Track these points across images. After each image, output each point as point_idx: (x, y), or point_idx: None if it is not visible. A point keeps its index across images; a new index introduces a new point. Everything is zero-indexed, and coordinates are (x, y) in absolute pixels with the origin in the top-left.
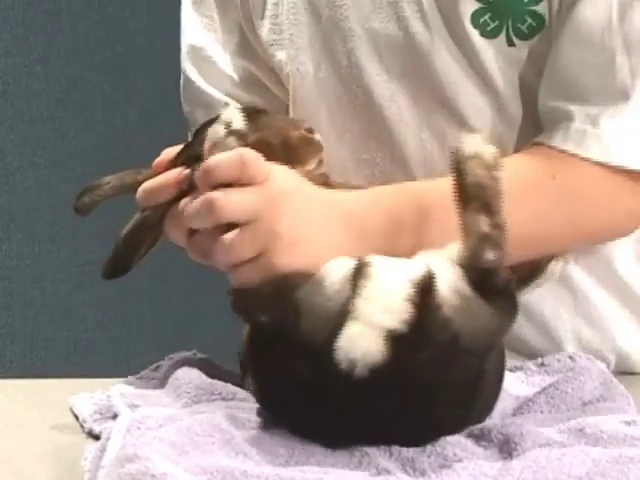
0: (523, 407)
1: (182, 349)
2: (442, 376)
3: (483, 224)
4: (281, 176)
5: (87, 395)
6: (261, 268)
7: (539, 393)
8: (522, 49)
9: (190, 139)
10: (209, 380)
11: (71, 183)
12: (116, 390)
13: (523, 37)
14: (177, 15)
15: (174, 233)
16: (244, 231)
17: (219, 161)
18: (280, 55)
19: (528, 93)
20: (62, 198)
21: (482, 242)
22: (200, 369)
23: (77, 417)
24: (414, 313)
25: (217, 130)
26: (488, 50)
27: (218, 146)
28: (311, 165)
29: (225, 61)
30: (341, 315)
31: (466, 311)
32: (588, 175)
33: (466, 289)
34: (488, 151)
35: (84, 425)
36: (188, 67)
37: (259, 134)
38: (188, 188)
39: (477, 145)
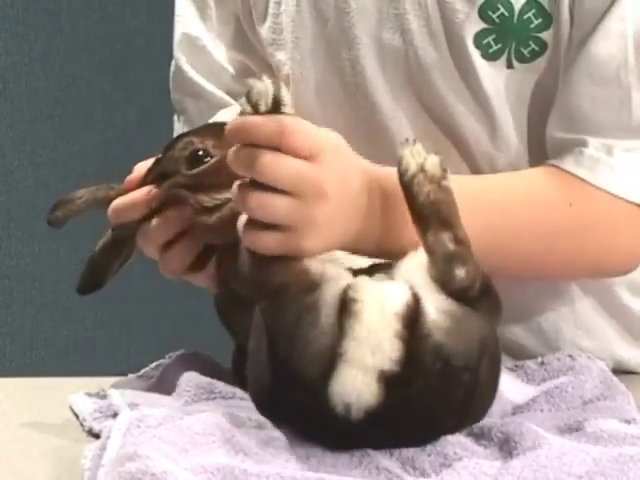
0: (523, 406)
1: (182, 348)
2: (438, 400)
3: (446, 242)
4: (334, 159)
5: (87, 394)
6: (285, 243)
7: (539, 392)
8: (520, 72)
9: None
10: (209, 379)
11: (71, 182)
12: (116, 389)
13: (524, 61)
14: (174, 17)
15: (147, 249)
16: (286, 199)
17: (256, 121)
18: (279, 55)
19: (523, 116)
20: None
21: (450, 262)
22: (200, 368)
23: (77, 416)
24: (404, 350)
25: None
26: (488, 72)
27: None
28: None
29: (220, 52)
30: (332, 355)
31: (456, 330)
32: (602, 206)
33: (452, 306)
34: (431, 162)
35: (84, 424)
36: (181, 56)
37: (223, 152)
38: (158, 206)
39: (418, 158)
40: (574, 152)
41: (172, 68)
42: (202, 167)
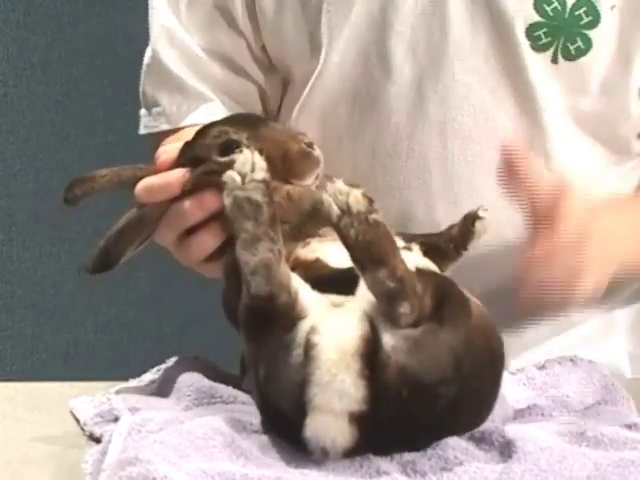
0: (524, 410)
1: (183, 352)
2: (417, 419)
3: (385, 280)
4: None
5: (88, 398)
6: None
7: (540, 396)
8: (562, 69)
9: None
10: (210, 383)
11: None
12: (116, 393)
13: (568, 57)
14: None
15: (167, 234)
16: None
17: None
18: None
19: (563, 110)
20: (62, 201)
21: (391, 301)
22: (201, 372)
23: (78, 420)
24: (369, 387)
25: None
26: (535, 61)
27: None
28: (309, 180)
29: (197, 43)
30: (301, 402)
31: (418, 349)
32: None
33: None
34: (354, 199)
35: (85, 428)
36: (160, 49)
37: (258, 145)
38: (190, 189)
39: (340, 198)
40: None
41: (147, 60)
42: (235, 156)
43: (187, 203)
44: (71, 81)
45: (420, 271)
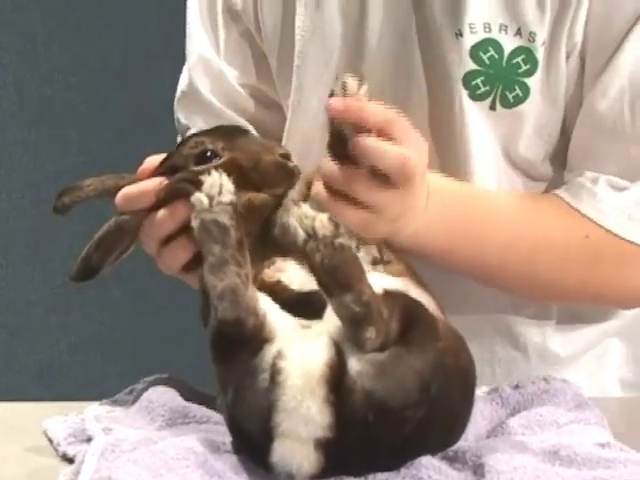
0: (497, 429)
1: (157, 372)
2: (384, 443)
3: (350, 305)
4: (425, 155)
5: (61, 418)
6: (366, 222)
7: (513, 415)
8: (501, 116)
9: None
10: (183, 403)
11: (45, 206)
12: (90, 413)
13: (506, 105)
14: (153, 36)
15: (147, 242)
16: (388, 187)
17: (368, 106)
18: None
19: (499, 158)
20: (36, 221)
21: (357, 325)
22: (174, 392)
23: (51, 440)
24: (335, 413)
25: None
26: (475, 112)
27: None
28: (280, 191)
29: (234, 76)
30: (267, 427)
31: (384, 374)
32: (612, 242)
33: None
34: (319, 223)
35: (58, 448)
36: (197, 76)
37: (231, 155)
38: (165, 198)
39: (306, 222)
40: (582, 187)
41: (182, 87)
42: (208, 165)
43: (160, 213)
44: (45, 101)
45: (388, 294)
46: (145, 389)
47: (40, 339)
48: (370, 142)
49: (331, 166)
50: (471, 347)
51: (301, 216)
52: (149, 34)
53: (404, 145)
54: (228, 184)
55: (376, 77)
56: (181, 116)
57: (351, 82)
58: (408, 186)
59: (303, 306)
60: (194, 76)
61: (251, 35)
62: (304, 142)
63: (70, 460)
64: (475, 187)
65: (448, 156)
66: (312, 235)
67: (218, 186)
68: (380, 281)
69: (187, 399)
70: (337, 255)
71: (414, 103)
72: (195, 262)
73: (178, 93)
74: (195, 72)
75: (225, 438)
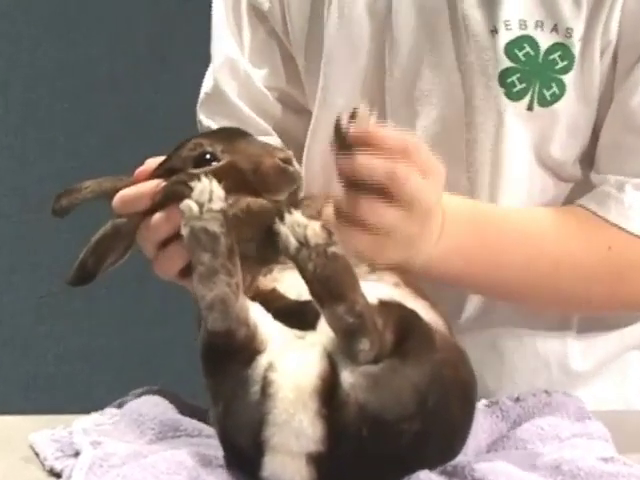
0: (497, 443)
1: (147, 384)
2: (379, 457)
3: (343, 316)
4: (440, 181)
5: (48, 432)
6: (374, 247)
7: (514, 429)
8: (538, 116)
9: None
10: (174, 416)
11: (30, 213)
12: (78, 426)
13: (544, 104)
14: (140, 40)
15: (144, 246)
16: (400, 211)
17: (381, 134)
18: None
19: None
20: (21, 228)
21: (350, 337)
22: (165, 405)
23: (37, 455)
24: (327, 427)
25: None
26: (511, 111)
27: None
28: (282, 196)
29: (261, 77)
30: (258, 441)
31: (378, 386)
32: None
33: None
34: (312, 231)
35: (45, 463)
36: (223, 79)
37: (230, 158)
38: (162, 201)
39: (298, 230)
40: (609, 195)
41: (207, 89)
42: (206, 168)
43: (156, 216)
44: (30, 105)
45: (383, 304)
46: (135, 401)
47: (26, 350)
48: (360, 158)
49: (338, 190)
50: (490, 358)
51: (293, 224)
52: (136, 38)
53: (423, 175)
54: (218, 190)
55: (404, 75)
56: (203, 118)
57: (362, 110)
58: (416, 207)
59: (296, 316)
60: (220, 78)
61: (277, 36)
62: (329, 141)
63: (57, 475)
64: (490, 206)
65: (478, 156)
66: (304, 243)
67: (208, 193)
68: (376, 291)
69: (178, 412)
70: (330, 264)
71: (446, 102)
72: (192, 267)
73: (202, 95)
74: (221, 74)
75: (217, 452)
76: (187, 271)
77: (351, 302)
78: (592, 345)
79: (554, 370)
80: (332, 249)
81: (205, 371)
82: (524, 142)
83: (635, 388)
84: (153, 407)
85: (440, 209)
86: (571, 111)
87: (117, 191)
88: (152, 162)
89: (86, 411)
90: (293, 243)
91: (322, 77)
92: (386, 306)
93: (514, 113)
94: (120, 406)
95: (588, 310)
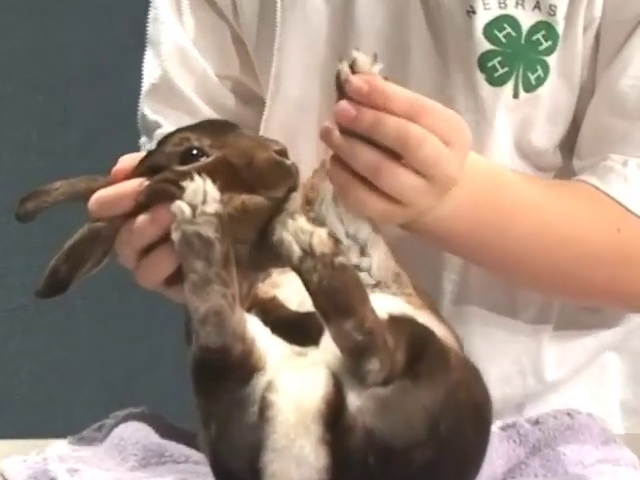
0: (515, 470)
1: (129, 405)
2: None
3: (351, 333)
4: (466, 149)
5: (20, 458)
6: (390, 213)
7: (533, 455)
8: (521, 103)
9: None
10: (159, 440)
11: (3, 215)
12: (53, 452)
13: (529, 89)
14: (120, 29)
15: (125, 251)
16: (420, 180)
17: (398, 90)
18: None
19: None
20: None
21: (359, 356)
22: (149, 428)
23: None
24: (331, 454)
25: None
26: (493, 99)
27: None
28: (279, 193)
29: (212, 66)
30: (255, 468)
31: (387, 411)
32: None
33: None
34: (317, 239)
35: None
36: (172, 68)
37: (220, 152)
38: (146, 202)
39: (303, 237)
40: (611, 169)
41: (153, 80)
42: (195, 165)
43: (140, 218)
44: (2, 98)
45: (393, 319)
46: (116, 425)
47: None
48: (365, 112)
49: (351, 145)
50: None
51: (297, 230)
52: (116, 27)
53: (443, 141)
54: (213, 191)
55: None
56: (149, 112)
57: (363, 59)
58: (441, 178)
59: (298, 329)
60: (168, 67)
61: (227, 19)
62: (284, 134)
63: None
64: (509, 170)
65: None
66: (309, 252)
67: (202, 193)
68: (385, 304)
69: (163, 436)
70: (337, 276)
71: (420, 92)
72: (180, 274)
73: (147, 86)
74: (170, 63)
75: (206, 479)
76: (175, 278)
77: (360, 318)
78: (567, 351)
79: (528, 376)
80: (339, 259)
81: (196, 390)
82: (506, 132)
83: (612, 396)
84: (136, 431)
85: (461, 179)
86: (554, 95)
87: (93, 192)
88: (128, 159)
89: (62, 435)
90: (297, 252)
91: (274, 66)
92: (397, 322)
93: (496, 100)
94: (99, 430)
95: (588, 294)
